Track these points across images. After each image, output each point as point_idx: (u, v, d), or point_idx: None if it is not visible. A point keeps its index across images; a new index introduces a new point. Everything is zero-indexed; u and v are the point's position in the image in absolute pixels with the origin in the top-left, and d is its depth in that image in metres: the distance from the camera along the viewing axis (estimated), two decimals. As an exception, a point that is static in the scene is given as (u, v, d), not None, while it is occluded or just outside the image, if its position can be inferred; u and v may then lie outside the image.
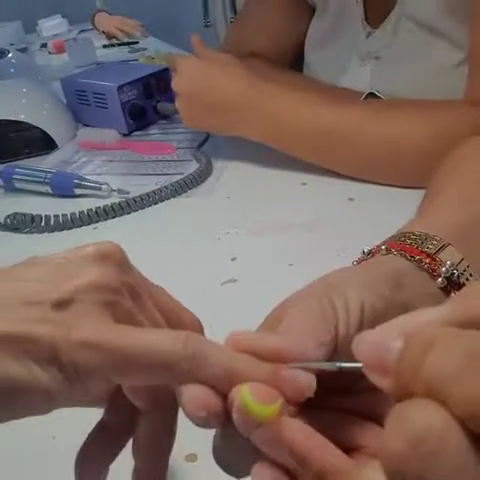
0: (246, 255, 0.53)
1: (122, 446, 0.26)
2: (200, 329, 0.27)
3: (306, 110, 0.63)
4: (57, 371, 0.20)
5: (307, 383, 0.21)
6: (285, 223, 0.58)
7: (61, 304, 0.21)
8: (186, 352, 0.20)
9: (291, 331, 0.23)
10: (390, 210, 0.56)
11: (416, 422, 0.15)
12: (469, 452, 0.14)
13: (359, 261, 0.34)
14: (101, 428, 0.26)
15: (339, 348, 0.24)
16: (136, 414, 0.25)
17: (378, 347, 0.17)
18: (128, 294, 0.23)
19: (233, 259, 0.53)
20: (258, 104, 0.64)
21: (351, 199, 0.61)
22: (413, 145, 0.57)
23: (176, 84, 0.70)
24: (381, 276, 0.28)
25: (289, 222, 0.58)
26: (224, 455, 0.22)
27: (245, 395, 0.19)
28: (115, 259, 0.24)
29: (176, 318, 0.26)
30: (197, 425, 0.21)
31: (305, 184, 0.66)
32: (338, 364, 0.20)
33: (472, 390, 0.14)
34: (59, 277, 0.22)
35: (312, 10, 0.84)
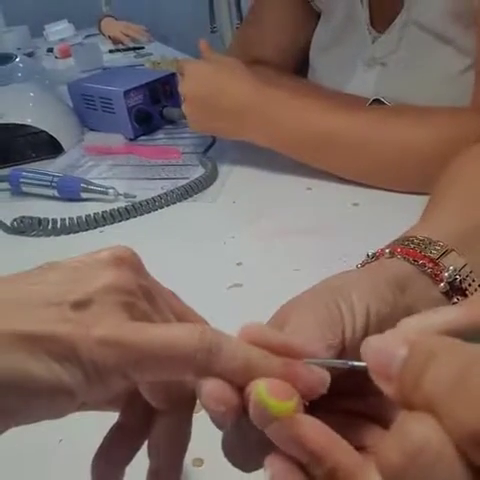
0: (251, 260, 0.54)
1: (138, 447, 0.26)
2: None
3: (312, 115, 0.63)
4: (77, 369, 0.20)
5: (322, 379, 0.21)
6: (290, 228, 0.58)
7: (80, 305, 0.21)
8: (202, 344, 0.21)
9: (300, 333, 0.24)
10: (394, 215, 0.56)
11: (415, 436, 0.16)
12: (463, 465, 0.15)
13: (363, 264, 0.34)
14: (117, 430, 0.26)
15: (345, 351, 0.24)
16: (152, 415, 0.25)
17: (383, 353, 0.18)
18: (144, 296, 0.24)
19: (238, 264, 0.53)
20: (264, 109, 0.65)
21: (356, 204, 0.61)
22: (418, 151, 0.58)
23: (183, 88, 0.70)
24: (385, 280, 0.29)
25: (294, 227, 0.58)
26: (235, 448, 0.23)
27: (262, 391, 0.20)
28: (130, 263, 0.24)
29: (187, 321, 0.26)
30: (213, 420, 0.21)
31: (310, 189, 0.66)
32: (350, 362, 0.21)
33: (460, 414, 0.15)
34: (77, 279, 0.22)
35: (317, 16, 0.84)
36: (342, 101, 0.72)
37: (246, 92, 0.66)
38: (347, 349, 0.25)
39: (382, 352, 0.18)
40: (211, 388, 0.21)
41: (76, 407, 0.21)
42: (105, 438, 0.26)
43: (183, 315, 0.26)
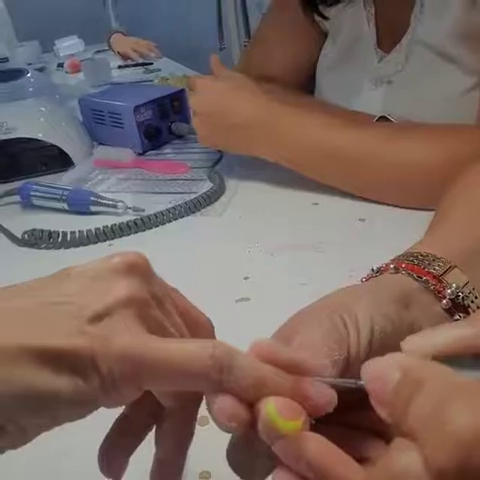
0: (258, 274, 0.54)
1: (143, 437, 0.27)
2: (212, 328, 0.29)
3: (319, 132, 0.64)
4: (96, 382, 0.21)
5: (329, 399, 0.22)
6: (297, 242, 0.59)
7: (98, 318, 0.22)
8: (215, 363, 0.21)
9: (307, 348, 0.24)
10: (401, 231, 0.57)
11: (396, 466, 0.18)
12: None
13: (368, 278, 0.35)
14: (123, 421, 0.27)
15: (350, 367, 0.25)
16: (157, 408, 0.26)
17: (379, 378, 0.19)
18: (155, 304, 0.24)
19: (246, 278, 0.54)
20: (272, 125, 0.66)
21: (362, 220, 0.62)
22: (424, 168, 0.58)
23: (194, 103, 0.72)
24: (390, 297, 0.29)
25: (300, 242, 0.59)
26: (241, 459, 0.23)
27: (271, 410, 0.20)
28: (141, 270, 0.24)
29: (191, 319, 0.27)
30: (221, 429, 0.22)
31: (316, 204, 0.67)
32: (358, 382, 0.21)
33: (433, 448, 0.17)
34: (93, 291, 0.23)
35: (324, 35, 0.86)
36: (349, 118, 0.73)
37: (255, 108, 0.67)
38: (352, 365, 0.25)
39: (378, 377, 0.19)
40: (223, 405, 0.21)
41: (90, 413, 0.22)
42: (111, 428, 0.27)
43: (188, 314, 0.27)
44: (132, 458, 0.27)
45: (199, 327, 0.27)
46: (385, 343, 0.27)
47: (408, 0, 0.69)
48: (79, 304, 0.22)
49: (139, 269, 0.24)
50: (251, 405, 0.21)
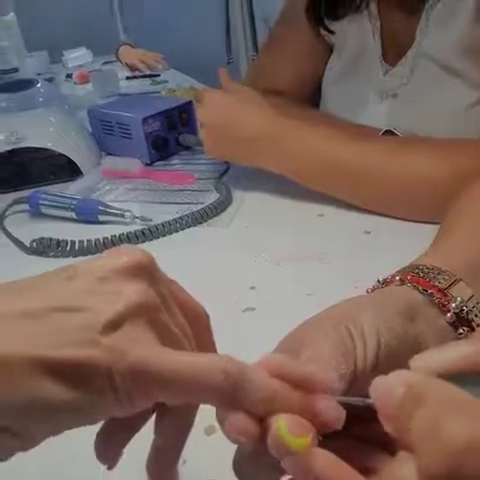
0: (264, 284, 0.55)
1: (141, 426, 0.27)
2: (207, 319, 0.29)
3: (324, 145, 0.65)
4: (111, 394, 0.21)
5: (338, 416, 0.22)
6: (302, 253, 0.59)
7: (110, 328, 0.21)
8: (227, 377, 0.21)
9: (315, 362, 0.25)
10: (406, 244, 0.57)
11: (397, 477, 0.19)
12: None
13: (373, 289, 0.35)
14: None
15: (357, 380, 0.25)
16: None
17: (386, 395, 0.20)
18: (163, 306, 0.24)
19: (252, 287, 0.54)
20: (279, 137, 0.67)
21: (367, 232, 0.62)
22: (429, 182, 0.59)
23: (201, 115, 0.73)
24: (395, 310, 0.29)
25: (306, 252, 0.59)
26: (248, 469, 0.24)
27: (281, 427, 0.21)
28: (148, 269, 0.24)
29: (191, 311, 0.27)
30: (230, 441, 0.22)
31: (322, 215, 0.67)
32: (368, 400, 0.22)
33: (426, 459, 0.18)
34: (104, 297, 0.22)
35: (330, 49, 0.87)
36: (354, 131, 0.74)
37: (261, 121, 0.68)
38: (358, 378, 0.26)
39: (384, 393, 0.20)
40: (234, 420, 0.22)
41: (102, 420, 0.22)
42: (105, 422, 0.27)
43: (188, 307, 0.27)
44: (128, 446, 0.27)
45: (196, 318, 0.28)
46: (390, 356, 0.27)
47: (413, 13, 0.70)
48: (90, 311, 0.22)
49: (146, 269, 0.24)
50: (261, 419, 0.22)
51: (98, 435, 0.27)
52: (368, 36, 0.77)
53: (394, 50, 0.75)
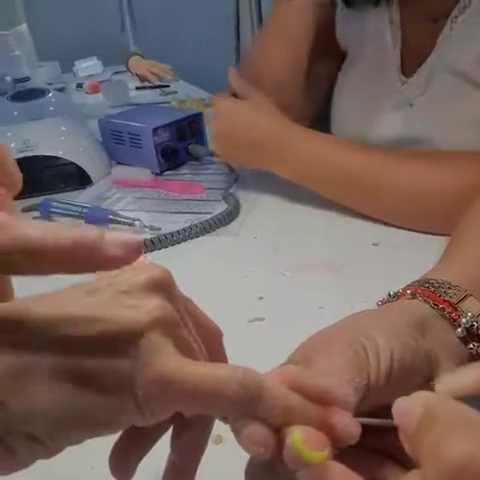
0: (273, 294, 0.55)
1: (155, 441, 0.27)
2: (220, 336, 0.29)
3: (336, 153, 0.66)
4: (133, 403, 0.21)
5: (355, 433, 0.23)
6: (311, 264, 0.60)
7: (132, 338, 0.22)
8: (245, 389, 0.21)
9: (329, 374, 0.25)
10: (414, 256, 0.57)
11: None
12: None
13: (384, 302, 0.35)
14: (133, 428, 0.27)
15: (369, 394, 0.26)
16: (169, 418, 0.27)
17: (405, 414, 0.20)
18: (181, 322, 0.25)
19: (260, 298, 0.55)
20: (290, 143, 0.68)
21: (375, 244, 0.63)
22: (439, 193, 0.59)
23: (213, 125, 0.75)
24: (408, 324, 0.30)
25: (315, 263, 0.60)
26: (260, 476, 0.24)
27: (298, 440, 0.21)
28: (167, 287, 0.25)
29: (206, 329, 0.28)
30: (246, 451, 0.22)
31: (331, 227, 0.68)
32: (390, 421, 0.22)
33: (429, 471, 0.19)
34: (127, 310, 0.23)
35: (342, 55, 0.85)
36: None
37: (273, 127, 0.70)
38: (371, 392, 0.26)
39: (404, 413, 0.21)
40: (252, 432, 0.22)
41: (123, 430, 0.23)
42: (124, 431, 0.27)
43: (202, 324, 0.27)
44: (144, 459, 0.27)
45: (210, 336, 0.28)
46: (403, 369, 0.27)
47: (436, 24, 0.69)
48: (110, 322, 0.22)
49: (165, 285, 0.25)
50: (277, 430, 0.22)
51: (113, 451, 0.27)
52: (386, 46, 0.76)
53: (412, 60, 0.74)
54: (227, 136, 0.74)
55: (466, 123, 0.68)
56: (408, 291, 0.33)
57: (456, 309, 0.32)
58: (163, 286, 0.24)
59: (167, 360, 0.22)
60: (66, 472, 0.36)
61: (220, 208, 0.73)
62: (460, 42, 0.67)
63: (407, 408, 0.20)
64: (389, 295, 0.35)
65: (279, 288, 0.56)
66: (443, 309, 0.32)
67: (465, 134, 0.67)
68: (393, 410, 0.21)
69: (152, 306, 0.23)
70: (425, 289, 0.33)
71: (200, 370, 0.22)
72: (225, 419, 0.23)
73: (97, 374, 0.21)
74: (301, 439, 0.21)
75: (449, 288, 0.33)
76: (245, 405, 0.22)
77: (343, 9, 0.81)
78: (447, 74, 0.69)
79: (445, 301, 0.32)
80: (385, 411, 0.23)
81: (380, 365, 0.26)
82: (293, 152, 0.68)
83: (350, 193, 0.66)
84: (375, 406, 0.26)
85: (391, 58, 0.76)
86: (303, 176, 0.68)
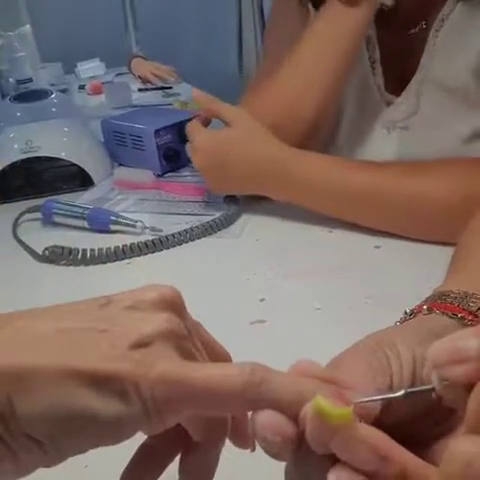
0: (274, 296, 0.55)
1: (165, 467, 0.27)
2: (230, 360, 0.29)
3: (335, 173, 0.64)
4: (139, 407, 0.21)
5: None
6: (312, 267, 0.60)
7: (140, 346, 0.22)
8: (253, 378, 0.21)
9: (351, 376, 0.25)
10: (416, 258, 0.57)
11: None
12: None
13: (402, 321, 0.34)
14: (145, 450, 0.27)
15: (391, 405, 0.25)
16: (182, 438, 0.26)
17: (452, 344, 0.20)
18: (189, 337, 0.25)
19: (261, 300, 0.55)
20: (288, 167, 0.65)
21: (377, 246, 0.63)
22: (443, 204, 0.58)
23: (195, 161, 0.70)
24: (428, 331, 0.29)
25: (316, 266, 0.60)
26: (298, 476, 0.23)
27: (319, 401, 0.20)
28: (176, 305, 0.25)
29: (213, 352, 0.28)
30: (268, 453, 0.22)
31: (332, 232, 0.68)
32: (407, 390, 0.21)
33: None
34: (134, 323, 0.23)
35: None
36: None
37: (269, 153, 0.66)
38: (393, 403, 0.25)
39: (450, 345, 0.21)
40: (266, 419, 0.21)
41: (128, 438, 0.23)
42: (133, 457, 0.27)
43: (211, 348, 0.28)
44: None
45: (219, 360, 0.28)
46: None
47: (418, 38, 0.67)
48: (119, 332, 0.23)
49: (174, 304, 0.25)
50: (295, 421, 0.21)
51: (123, 475, 0.27)
52: (366, 66, 0.73)
53: (395, 78, 0.72)
54: (214, 171, 0.70)
55: (462, 137, 0.67)
56: (424, 307, 0.33)
57: (477, 316, 0.31)
58: (173, 304, 0.25)
59: (172, 362, 0.22)
60: (59, 470, 0.36)
61: (221, 210, 0.74)
62: (446, 55, 0.65)
63: (449, 341, 0.21)
64: (405, 313, 0.35)
65: (281, 290, 0.56)
66: (463, 318, 0.31)
67: (463, 148, 0.66)
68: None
69: (161, 319, 0.24)
70: (441, 302, 0.33)
71: (207, 369, 0.22)
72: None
73: (102, 376, 0.21)
74: (323, 399, 0.20)
75: (466, 297, 0.33)
76: (255, 392, 0.21)
77: None
78: (436, 89, 0.67)
79: (464, 310, 0.32)
80: (408, 427, 0.22)
81: (403, 368, 0.26)
82: (293, 176, 0.65)
83: (353, 211, 0.64)
84: (398, 419, 0.26)
85: (372, 79, 0.74)
86: (303, 199, 0.66)
